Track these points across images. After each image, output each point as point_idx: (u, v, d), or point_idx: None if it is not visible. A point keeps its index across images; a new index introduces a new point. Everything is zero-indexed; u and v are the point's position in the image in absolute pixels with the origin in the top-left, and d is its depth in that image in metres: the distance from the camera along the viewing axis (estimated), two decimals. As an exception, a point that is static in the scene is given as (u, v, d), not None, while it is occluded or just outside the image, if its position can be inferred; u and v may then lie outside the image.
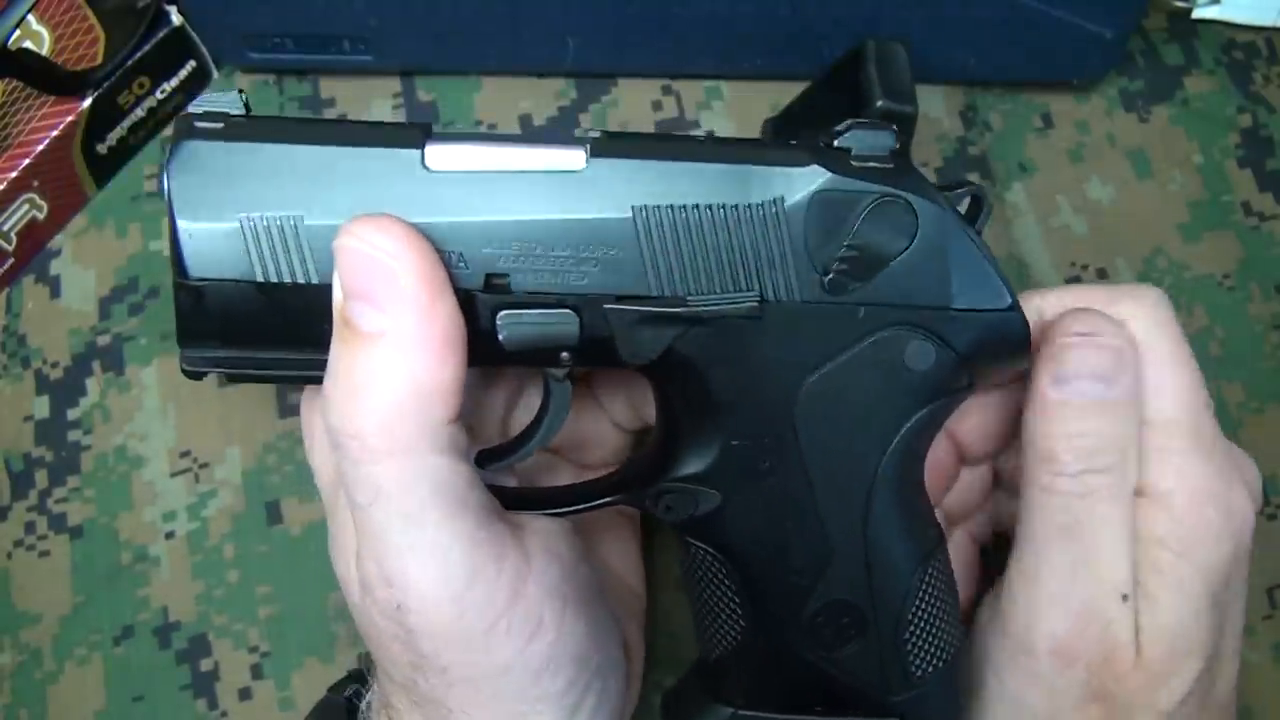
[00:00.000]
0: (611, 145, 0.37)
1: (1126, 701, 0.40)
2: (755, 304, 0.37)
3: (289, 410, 0.54)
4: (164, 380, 0.55)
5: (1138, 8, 0.56)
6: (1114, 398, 0.40)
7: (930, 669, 0.40)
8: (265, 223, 0.36)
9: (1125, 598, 0.40)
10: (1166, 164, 0.60)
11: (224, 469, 0.54)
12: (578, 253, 0.36)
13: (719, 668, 0.42)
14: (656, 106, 0.60)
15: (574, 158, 0.36)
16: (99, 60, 0.56)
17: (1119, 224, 0.59)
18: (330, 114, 0.60)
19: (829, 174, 0.37)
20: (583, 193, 0.36)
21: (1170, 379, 0.41)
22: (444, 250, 0.36)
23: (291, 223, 0.36)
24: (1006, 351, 0.39)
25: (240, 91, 0.37)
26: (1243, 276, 0.58)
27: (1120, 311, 0.41)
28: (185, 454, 0.54)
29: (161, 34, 0.56)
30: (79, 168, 0.57)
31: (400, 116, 0.60)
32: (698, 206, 0.36)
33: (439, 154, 0.36)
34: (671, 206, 0.36)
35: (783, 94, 0.59)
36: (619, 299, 0.37)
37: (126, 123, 0.57)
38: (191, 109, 0.36)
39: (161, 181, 0.36)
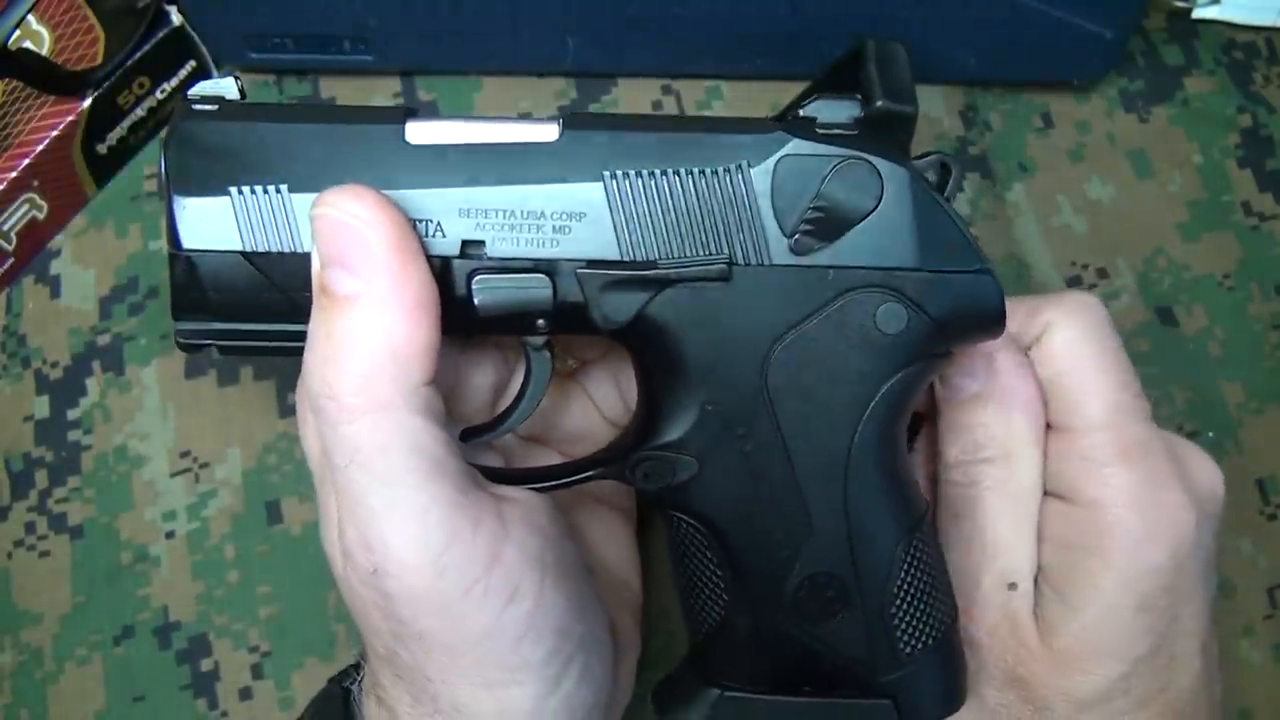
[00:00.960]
0: (584, 119, 0.38)
1: (1040, 689, 0.41)
2: (724, 266, 0.38)
3: (289, 410, 0.54)
4: (164, 380, 0.55)
5: (1138, 8, 0.56)
6: (989, 396, 0.42)
7: (920, 646, 0.40)
8: (253, 194, 0.38)
9: (1013, 586, 0.42)
10: (1166, 164, 0.60)
11: (224, 469, 0.54)
12: (551, 220, 0.38)
13: (706, 649, 0.42)
14: (656, 106, 0.60)
15: (547, 131, 0.38)
16: (99, 60, 0.56)
17: (1119, 224, 0.59)
18: (330, 114, 0.60)
19: (793, 139, 0.38)
20: (555, 162, 0.38)
21: (1095, 385, 0.42)
22: (422, 218, 0.38)
23: (277, 193, 0.38)
24: (978, 314, 0.40)
25: (236, 77, 0.39)
26: (1242, 276, 0.58)
27: (1042, 322, 0.43)
28: (185, 454, 0.54)
29: (161, 34, 0.56)
30: (79, 167, 0.57)
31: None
32: (666, 173, 0.38)
33: (419, 129, 0.38)
34: (641, 173, 0.38)
35: (783, 94, 0.59)
36: (590, 264, 0.38)
37: (126, 123, 0.57)
38: (190, 93, 0.39)
39: (159, 161, 0.38)
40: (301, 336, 0.37)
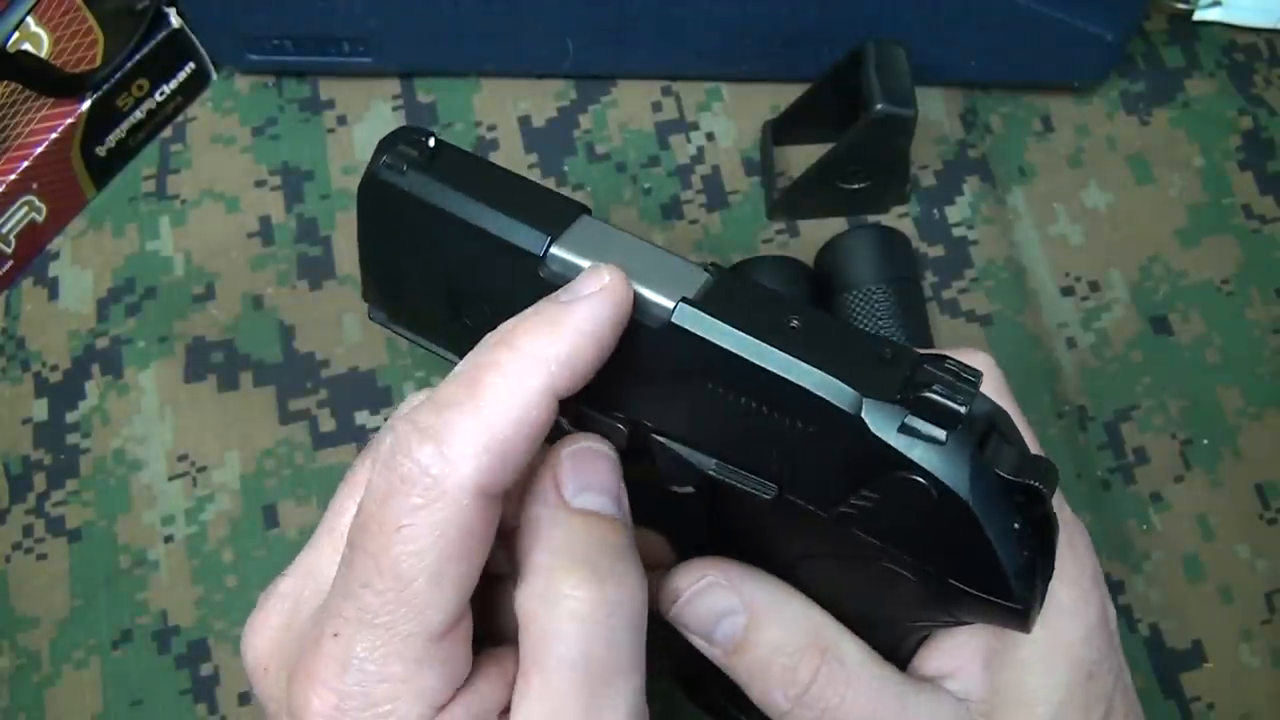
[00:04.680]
0: (709, 302, 0.34)
1: None
2: (771, 497, 0.35)
3: (288, 416, 0.54)
4: (162, 384, 0.55)
5: (1138, 10, 0.56)
6: None
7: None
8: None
9: None
10: (1167, 167, 0.60)
11: (222, 473, 0.54)
12: (640, 385, 0.35)
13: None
14: (656, 108, 0.60)
15: (664, 306, 0.34)
16: (98, 62, 0.56)
17: (1117, 230, 0.59)
18: (329, 115, 0.60)
19: (870, 434, 0.32)
20: (659, 350, 0.34)
21: None
22: None
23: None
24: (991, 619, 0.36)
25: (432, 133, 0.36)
26: (1242, 280, 0.58)
27: None
28: (183, 458, 0.54)
29: (160, 36, 0.56)
30: (78, 170, 0.56)
31: (400, 118, 0.60)
32: (759, 406, 0.34)
33: (560, 256, 0.35)
34: (735, 387, 0.34)
35: (783, 96, 0.59)
36: (659, 432, 0.36)
37: (125, 125, 0.57)
38: (399, 131, 0.37)
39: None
40: None
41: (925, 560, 0.34)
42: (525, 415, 0.32)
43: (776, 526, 0.37)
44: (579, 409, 0.36)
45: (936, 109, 0.60)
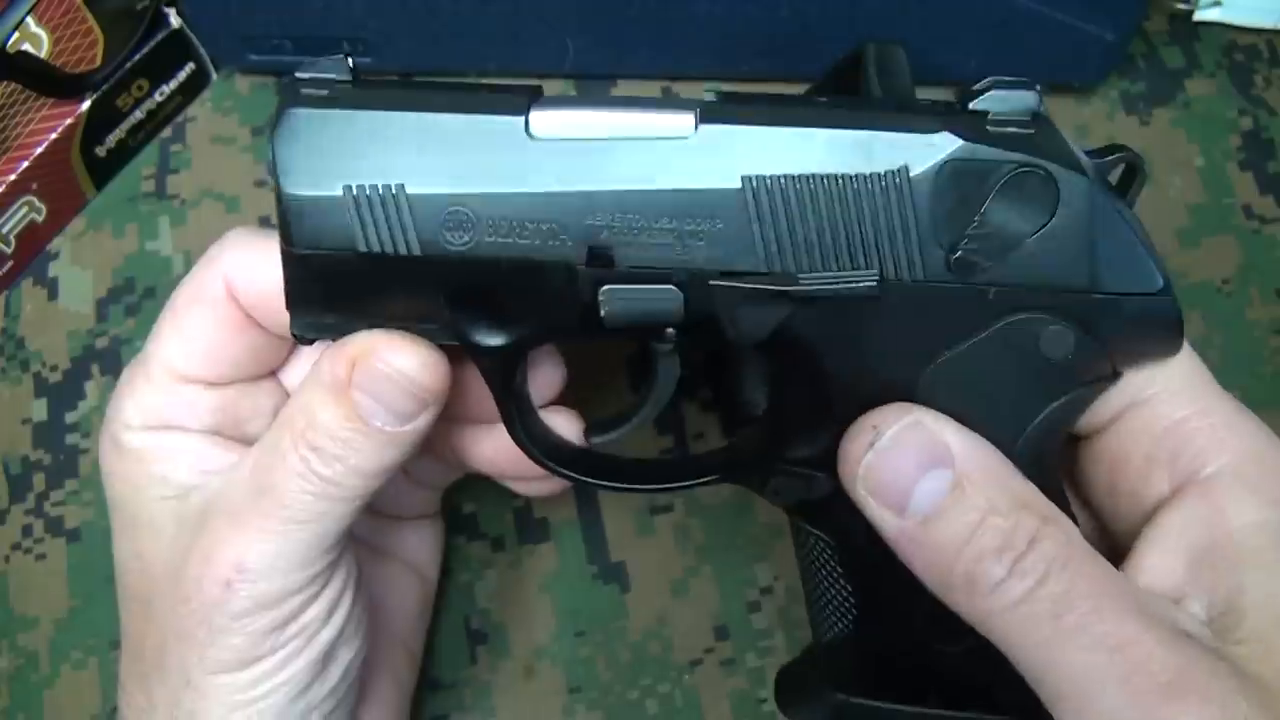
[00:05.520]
0: (723, 110, 0.34)
1: None
2: (874, 284, 0.34)
3: (287, 414, 0.54)
4: (162, 383, 0.55)
5: (1139, 10, 0.56)
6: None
7: None
8: (368, 191, 0.34)
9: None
10: (1167, 167, 0.60)
11: (222, 472, 0.53)
12: (683, 225, 0.34)
13: (832, 652, 0.41)
14: (656, 109, 0.60)
15: (682, 123, 0.34)
16: (98, 63, 0.56)
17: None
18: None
19: (960, 141, 0.33)
20: (690, 161, 0.34)
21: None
22: (546, 221, 0.34)
23: (393, 191, 0.34)
24: (1155, 339, 0.36)
25: (347, 55, 0.36)
26: (1242, 280, 0.58)
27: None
28: (183, 457, 0.54)
29: (160, 36, 0.56)
30: (78, 170, 0.56)
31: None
32: (813, 177, 0.33)
33: (544, 120, 0.34)
34: (785, 177, 0.33)
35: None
36: (726, 275, 0.34)
37: (125, 125, 0.57)
38: (298, 74, 0.35)
39: (269, 148, 0.35)
40: (426, 334, 0.37)
41: (1061, 279, 0.34)
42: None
43: (885, 334, 0.35)
44: (623, 271, 0.35)
45: (936, 109, 0.60)
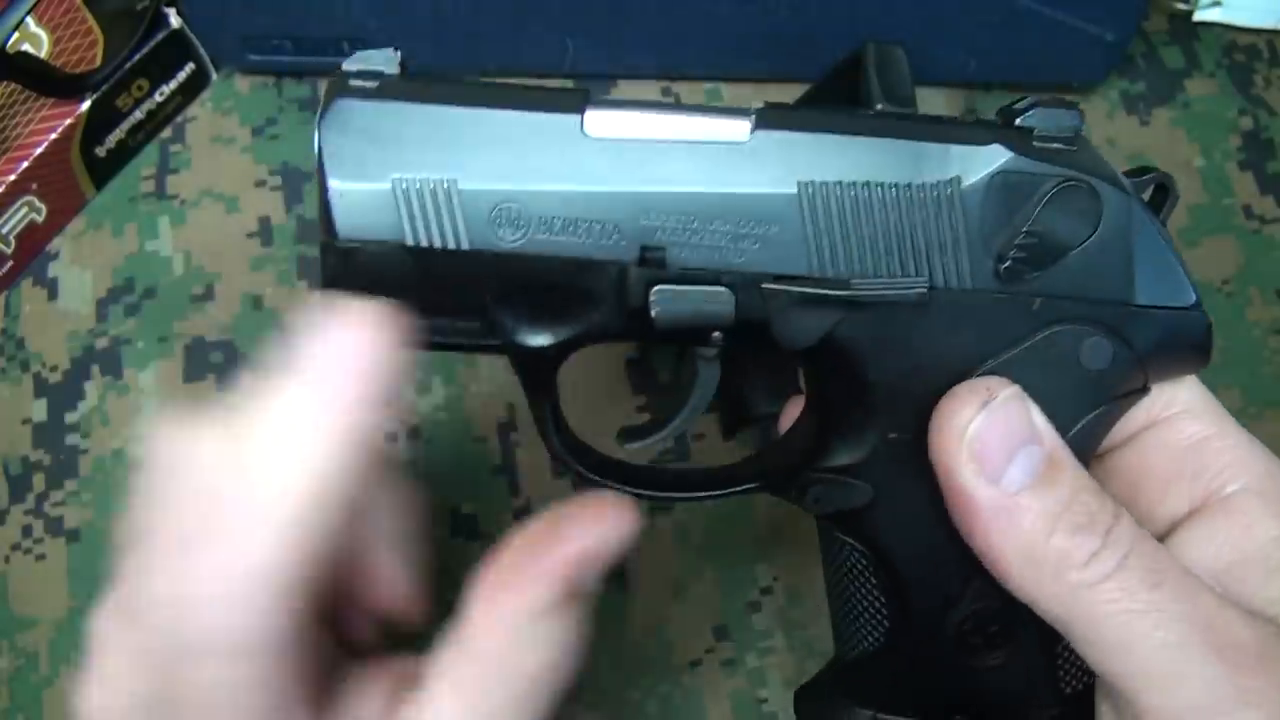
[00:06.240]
0: (777, 117, 0.35)
1: None
2: (924, 290, 0.34)
3: (287, 414, 0.54)
4: (162, 384, 0.55)
5: (1138, 10, 0.56)
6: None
7: (1083, 684, 0.38)
8: (419, 185, 0.34)
9: None
10: (1167, 167, 0.59)
11: (222, 472, 0.53)
12: (737, 228, 0.34)
13: (859, 669, 0.40)
14: (656, 109, 0.60)
15: (738, 128, 0.34)
16: (98, 63, 0.56)
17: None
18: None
19: (1010, 153, 0.34)
20: (746, 165, 0.34)
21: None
22: (599, 220, 0.34)
23: (445, 186, 0.34)
24: (1185, 353, 0.37)
25: (395, 49, 0.35)
26: (1242, 281, 0.58)
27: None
28: (183, 457, 0.54)
29: (160, 36, 0.56)
30: (77, 170, 0.56)
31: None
32: (868, 184, 0.34)
33: (598, 120, 0.34)
34: (839, 183, 0.34)
35: (782, 97, 0.59)
36: (778, 279, 0.35)
37: (125, 125, 0.57)
38: (346, 66, 0.35)
39: (313, 138, 0.34)
40: (462, 333, 0.36)
41: (1101, 291, 0.35)
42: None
43: (932, 341, 0.35)
44: (675, 272, 0.35)
45: (937, 109, 0.60)
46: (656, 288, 0.35)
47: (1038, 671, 0.38)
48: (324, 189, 0.34)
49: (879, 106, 0.49)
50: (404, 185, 0.34)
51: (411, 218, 0.34)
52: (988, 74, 0.59)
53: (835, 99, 0.55)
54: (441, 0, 0.55)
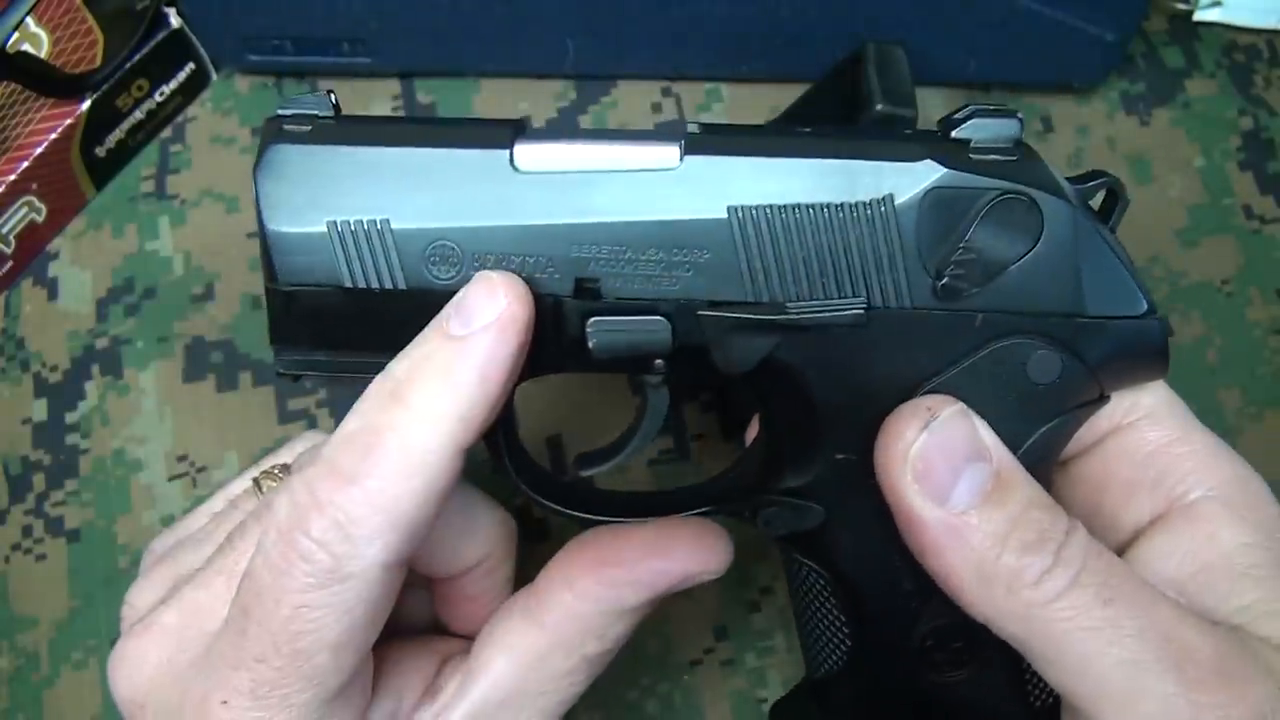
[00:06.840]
0: (707, 141, 0.34)
1: None
2: (861, 311, 0.34)
3: (287, 415, 0.54)
4: (161, 384, 0.55)
5: (1138, 10, 0.56)
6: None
7: (1053, 698, 0.38)
8: (353, 227, 0.35)
9: None
10: (1167, 167, 0.60)
11: (222, 473, 0.53)
12: (670, 256, 0.34)
13: (827, 687, 0.41)
14: (656, 108, 0.60)
15: (667, 154, 0.34)
16: (98, 63, 0.56)
17: (1118, 231, 0.58)
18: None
19: (943, 169, 0.34)
20: (676, 192, 0.34)
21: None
22: (532, 255, 0.35)
23: (379, 227, 0.35)
24: (1141, 361, 0.37)
25: (330, 92, 0.36)
26: (1242, 281, 0.58)
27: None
28: (183, 458, 0.54)
29: (160, 36, 0.56)
30: (77, 170, 0.56)
31: (399, 118, 0.60)
32: (798, 206, 0.34)
33: (528, 153, 0.34)
34: (770, 207, 0.34)
35: (782, 96, 0.59)
36: (713, 305, 0.35)
37: (125, 125, 0.57)
38: (280, 111, 0.36)
39: (254, 189, 0.35)
40: None
41: (1046, 304, 0.34)
42: (429, 485, 0.32)
43: (874, 361, 0.35)
44: (610, 302, 0.35)
45: (936, 109, 0.60)
46: (592, 319, 0.35)
47: (1006, 687, 0.38)
48: (263, 234, 0.35)
49: (878, 107, 0.49)
50: (339, 228, 0.35)
51: (348, 260, 0.35)
52: (988, 74, 0.59)
53: (835, 99, 0.56)
54: (441, 1, 0.55)
